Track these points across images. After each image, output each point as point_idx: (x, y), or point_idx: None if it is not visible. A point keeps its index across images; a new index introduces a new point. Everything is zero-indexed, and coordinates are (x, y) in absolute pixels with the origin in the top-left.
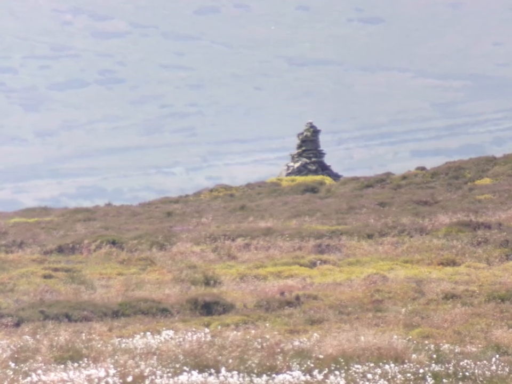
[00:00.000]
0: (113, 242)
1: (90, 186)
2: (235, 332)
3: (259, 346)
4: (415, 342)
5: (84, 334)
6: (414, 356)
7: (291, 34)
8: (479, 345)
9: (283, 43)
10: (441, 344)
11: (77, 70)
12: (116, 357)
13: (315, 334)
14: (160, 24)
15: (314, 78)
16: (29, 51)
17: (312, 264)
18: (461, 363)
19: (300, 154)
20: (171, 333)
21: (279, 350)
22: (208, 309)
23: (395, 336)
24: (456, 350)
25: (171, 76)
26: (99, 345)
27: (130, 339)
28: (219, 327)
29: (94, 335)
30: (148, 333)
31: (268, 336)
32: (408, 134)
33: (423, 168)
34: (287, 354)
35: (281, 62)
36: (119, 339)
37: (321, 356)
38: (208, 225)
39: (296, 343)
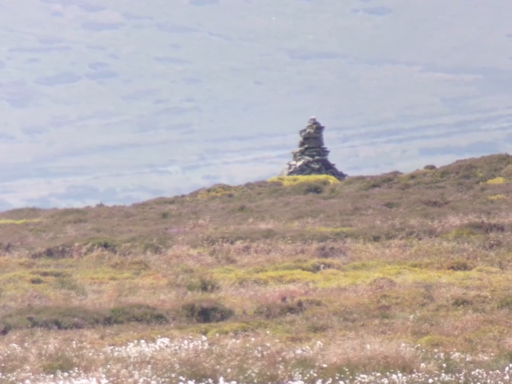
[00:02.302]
0: (105, 245)
1: (81, 186)
2: (234, 340)
3: (259, 355)
4: (423, 350)
5: (74, 342)
6: (422, 365)
7: (293, 26)
8: (492, 354)
9: (285, 35)
10: (451, 352)
11: (67, 63)
12: (108, 366)
13: (318, 342)
14: (155, 15)
15: (318, 71)
16: (17, 43)
17: (315, 268)
18: (472, 372)
19: (302, 152)
20: (166, 340)
21: (280, 358)
22: (205, 315)
23: (403, 344)
24: (467, 359)
25: (166, 69)
26: (90, 354)
27: (124, 347)
28: (217, 335)
29: (85, 343)
30: (142, 341)
31: (268, 344)
32: (417, 130)
33: (432, 167)
34: (289, 363)
35: (282, 54)
36: (112, 347)
37: (324, 365)
38: (205, 227)
39: (298, 351)
